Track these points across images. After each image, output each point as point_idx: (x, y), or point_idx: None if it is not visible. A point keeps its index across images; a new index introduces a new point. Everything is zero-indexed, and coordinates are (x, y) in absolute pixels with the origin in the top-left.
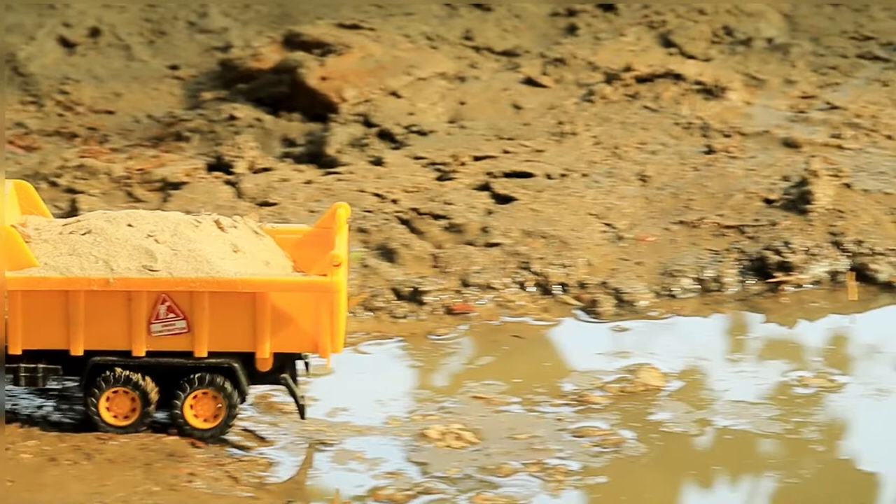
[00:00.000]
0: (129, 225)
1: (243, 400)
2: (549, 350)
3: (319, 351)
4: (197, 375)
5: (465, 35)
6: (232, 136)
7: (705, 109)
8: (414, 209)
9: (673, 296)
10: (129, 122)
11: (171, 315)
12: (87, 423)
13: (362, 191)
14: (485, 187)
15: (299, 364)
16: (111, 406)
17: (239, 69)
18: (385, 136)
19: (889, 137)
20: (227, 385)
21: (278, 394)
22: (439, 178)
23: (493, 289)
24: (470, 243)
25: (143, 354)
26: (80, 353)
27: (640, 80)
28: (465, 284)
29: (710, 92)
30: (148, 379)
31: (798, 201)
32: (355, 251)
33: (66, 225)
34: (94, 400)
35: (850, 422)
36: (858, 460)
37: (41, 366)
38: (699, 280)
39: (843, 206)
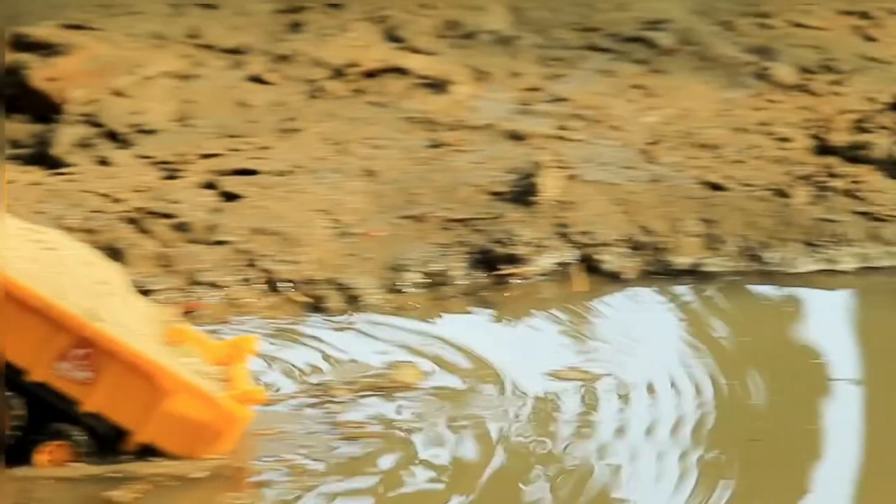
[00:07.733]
0: (85, 263)
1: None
2: (280, 346)
3: (189, 456)
4: (66, 427)
5: (191, 33)
6: None
7: (431, 103)
8: (141, 208)
9: (401, 291)
10: None
11: (84, 363)
12: None
13: (89, 191)
14: (212, 185)
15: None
16: None
17: None
18: (111, 135)
19: (614, 128)
20: (88, 443)
21: None
22: (166, 177)
23: (221, 287)
24: (197, 241)
25: (36, 381)
26: None
27: (366, 75)
28: (193, 283)
29: (436, 86)
30: (20, 403)
31: (525, 193)
32: None
33: (28, 229)
34: None
35: (592, 416)
36: (599, 455)
37: None
38: (427, 274)
39: (569, 197)
